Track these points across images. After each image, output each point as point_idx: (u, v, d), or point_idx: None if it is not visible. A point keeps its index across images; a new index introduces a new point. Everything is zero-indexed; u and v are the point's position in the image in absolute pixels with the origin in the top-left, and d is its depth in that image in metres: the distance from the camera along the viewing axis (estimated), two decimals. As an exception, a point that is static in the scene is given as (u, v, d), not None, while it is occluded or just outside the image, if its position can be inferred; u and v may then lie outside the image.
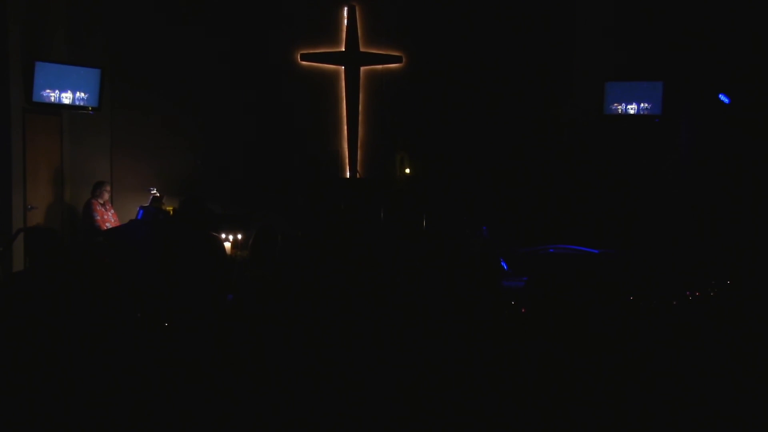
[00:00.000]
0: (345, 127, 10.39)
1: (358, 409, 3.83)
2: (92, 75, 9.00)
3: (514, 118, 10.20)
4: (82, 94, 8.93)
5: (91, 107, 9.09)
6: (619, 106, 9.91)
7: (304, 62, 10.23)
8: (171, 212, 9.00)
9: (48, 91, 8.60)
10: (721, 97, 9.30)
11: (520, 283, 6.26)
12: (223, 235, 7.84)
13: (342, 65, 10.32)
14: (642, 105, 9.84)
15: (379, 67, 10.37)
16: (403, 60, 10.38)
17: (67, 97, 8.80)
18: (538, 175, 10.18)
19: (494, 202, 9.92)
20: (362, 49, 10.29)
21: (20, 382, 3.83)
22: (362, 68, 10.34)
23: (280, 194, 9.89)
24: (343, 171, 10.41)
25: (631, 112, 9.88)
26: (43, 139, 8.97)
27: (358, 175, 10.33)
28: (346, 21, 10.27)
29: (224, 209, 9.36)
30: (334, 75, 10.37)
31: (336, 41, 10.30)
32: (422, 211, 9.27)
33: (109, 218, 8.88)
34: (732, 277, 5.70)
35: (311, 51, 10.23)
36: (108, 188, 9.00)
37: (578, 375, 3.84)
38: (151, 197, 9.01)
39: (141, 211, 8.71)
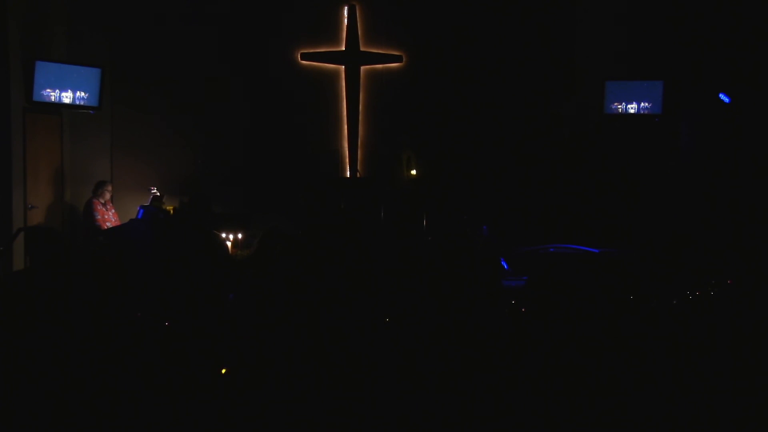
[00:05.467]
0: (345, 127, 10.40)
1: (358, 409, 3.84)
2: (92, 74, 9.00)
3: (514, 117, 10.21)
4: (83, 94, 8.92)
5: (92, 107, 9.09)
6: (620, 106, 9.92)
7: (304, 61, 10.24)
8: (171, 212, 9.01)
9: (48, 90, 8.61)
10: (721, 96, 9.30)
11: (520, 283, 6.26)
12: (224, 235, 7.85)
13: (342, 64, 10.33)
14: (642, 104, 9.84)
15: (380, 66, 10.38)
16: (404, 59, 10.38)
17: (67, 97, 8.80)
18: (538, 174, 10.19)
19: (494, 201, 9.93)
20: (362, 48, 10.30)
21: (21, 383, 3.83)
22: (362, 67, 10.35)
23: (280, 193, 9.90)
24: (344, 170, 10.42)
25: (632, 111, 9.89)
26: (44, 138, 8.97)
27: (358, 175, 10.33)
28: (346, 20, 10.27)
29: (224, 209, 9.36)
30: (335, 74, 10.37)
31: (336, 40, 10.30)
32: (423, 210, 9.27)
33: (109, 218, 8.90)
34: (732, 277, 5.69)
35: (311, 50, 10.23)
36: (110, 188, 9.00)
37: (578, 375, 3.85)
38: (152, 196, 9.01)
39: (141, 211, 8.71)
